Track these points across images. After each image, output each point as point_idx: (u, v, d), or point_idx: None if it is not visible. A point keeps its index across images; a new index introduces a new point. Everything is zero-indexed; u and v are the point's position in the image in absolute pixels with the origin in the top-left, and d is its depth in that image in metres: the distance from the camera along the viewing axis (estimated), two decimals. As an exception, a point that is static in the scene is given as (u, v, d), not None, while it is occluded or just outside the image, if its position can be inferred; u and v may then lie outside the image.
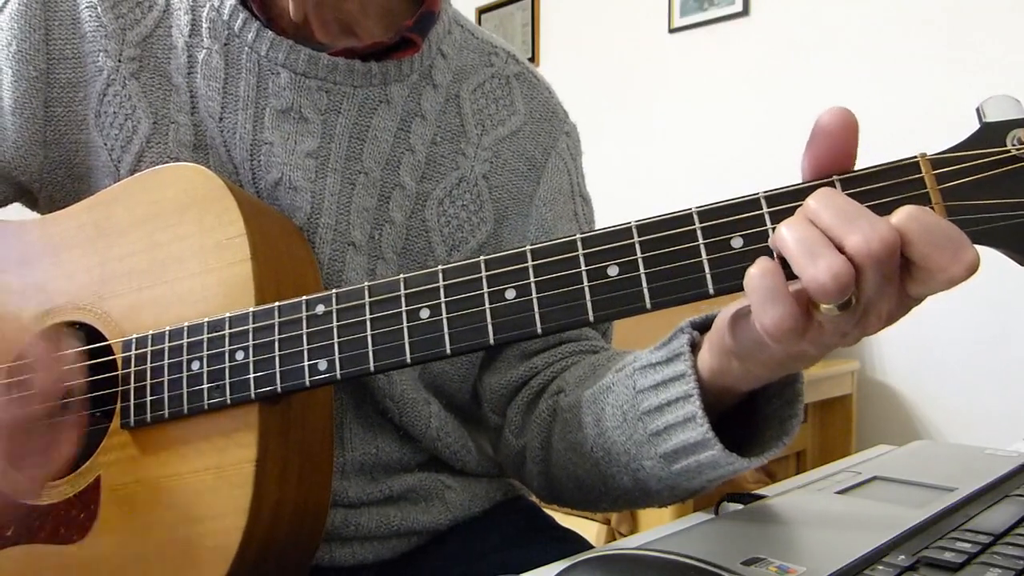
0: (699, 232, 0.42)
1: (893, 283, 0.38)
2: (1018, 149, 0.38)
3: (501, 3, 3.14)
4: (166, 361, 0.54)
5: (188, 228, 0.56)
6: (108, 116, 0.63)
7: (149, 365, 0.55)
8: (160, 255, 0.57)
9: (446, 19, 0.70)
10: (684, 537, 0.46)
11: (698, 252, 0.42)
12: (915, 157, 0.40)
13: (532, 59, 3.02)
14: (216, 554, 0.51)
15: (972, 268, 0.36)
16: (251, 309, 0.52)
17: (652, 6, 2.68)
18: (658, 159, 2.68)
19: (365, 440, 0.65)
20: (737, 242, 0.42)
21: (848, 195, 0.39)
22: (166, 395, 0.54)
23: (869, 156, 0.41)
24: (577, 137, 0.77)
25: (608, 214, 0.64)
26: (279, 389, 0.51)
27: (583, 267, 0.44)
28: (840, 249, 0.37)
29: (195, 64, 0.64)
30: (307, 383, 0.50)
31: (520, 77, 0.73)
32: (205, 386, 0.53)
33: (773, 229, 0.40)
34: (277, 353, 0.51)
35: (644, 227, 0.44)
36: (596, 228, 0.45)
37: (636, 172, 2.70)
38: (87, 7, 0.64)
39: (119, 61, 0.63)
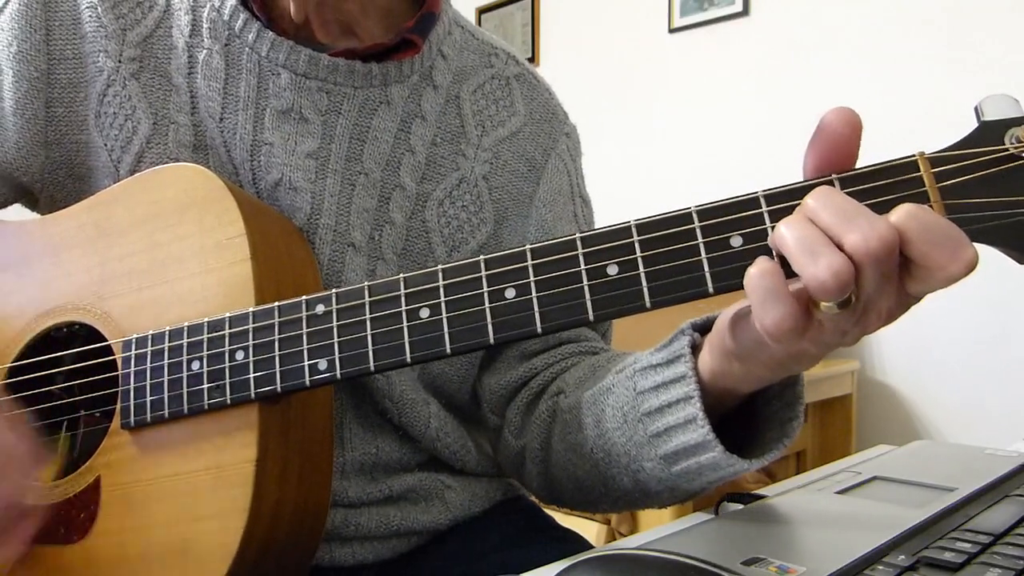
0: (698, 231, 0.42)
1: (892, 281, 0.38)
2: (1016, 147, 0.38)
3: (501, 3, 3.14)
4: (166, 361, 0.54)
5: (188, 228, 0.56)
6: (108, 116, 0.63)
7: (149, 365, 0.55)
8: (160, 255, 0.57)
9: (446, 20, 0.70)
10: (684, 537, 0.46)
11: (697, 251, 0.42)
12: (913, 156, 0.40)
13: (532, 59, 3.02)
14: (216, 554, 0.51)
15: (971, 266, 0.37)
16: (251, 309, 0.52)
17: (652, 6, 2.69)
18: (658, 159, 2.68)
19: (365, 440, 0.65)
20: (736, 241, 0.42)
21: (847, 194, 0.39)
22: (166, 395, 0.54)
23: (869, 156, 0.41)
24: (577, 138, 0.77)
25: (608, 214, 0.64)
26: (279, 389, 0.51)
27: (583, 266, 0.44)
28: (839, 247, 0.37)
29: (195, 64, 0.64)
30: (307, 383, 0.50)
31: (520, 78, 0.73)
32: (205, 386, 0.53)
33: (772, 228, 0.40)
34: (277, 353, 0.51)
35: (643, 226, 0.44)
36: (596, 227, 0.45)
37: (636, 172, 2.70)
38: (88, 7, 0.64)
39: (119, 61, 0.63)
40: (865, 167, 0.41)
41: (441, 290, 0.48)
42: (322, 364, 0.50)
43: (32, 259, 0.62)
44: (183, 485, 0.53)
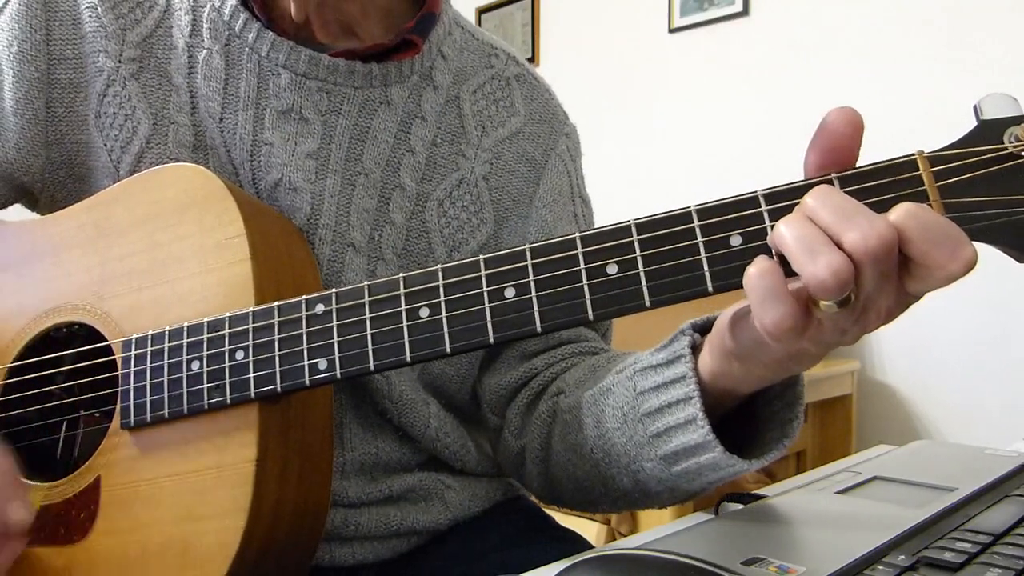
0: (698, 230, 0.42)
1: (891, 280, 0.38)
2: (1015, 146, 0.38)
3: (501, 3, 3.14)
4: (166, 361, 0.54)
5: (188, 228, 0.56)
6: (108, 117, 0.63)
7: (149, 365, 0.55)
8: (160, 255, 0.57)
9: (447, 20, 0.70)
10: (684, 537, 0.46)
11: (697, 250, 0.42)
12: (913, 155, 0.40)
13: (532, 59, 3.02)
14: (216, 553, 0.51)
15: (970, 265, 0.37)
16: (251, 309, 0.52)
17: (652, 6, 2.69)
18: (658, 159, 2.68)
19: (365, 440, 0.65)
20: (736, 240, 0.42)
21: (846, 193, 0.39)
22: (166, 395, 0.54)
23: (869, 156, 0.41)
24: (577, 139, 0.77)
25: (608, 214, 0.64)
26: (279, 389, 0.51)
27: (582, 265, 0.44)
28: (839, 246, 0.37)
29: (195, 64, 0.64)
30: (307, 382, 0.50)
31: (520, 79, 0.73)
32: (205, 386, 0.53)
33: (771, 227, 0.40)
34: (277, 353, 0.51)
35: (643, 225, 0.44)
36: (595, 227, 0.46)
37: (636, 172, 2.70)
38: (88, 7, 0.64)
39: (119, 62, 0.63)
40: (864, 166, 0.41)
41: (441, 290, 0.48)
42: (322, 364, 0.50)
43: (32, 259, 0.62)
44: (183, 485, 0.53)
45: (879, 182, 0.40)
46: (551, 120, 0.73)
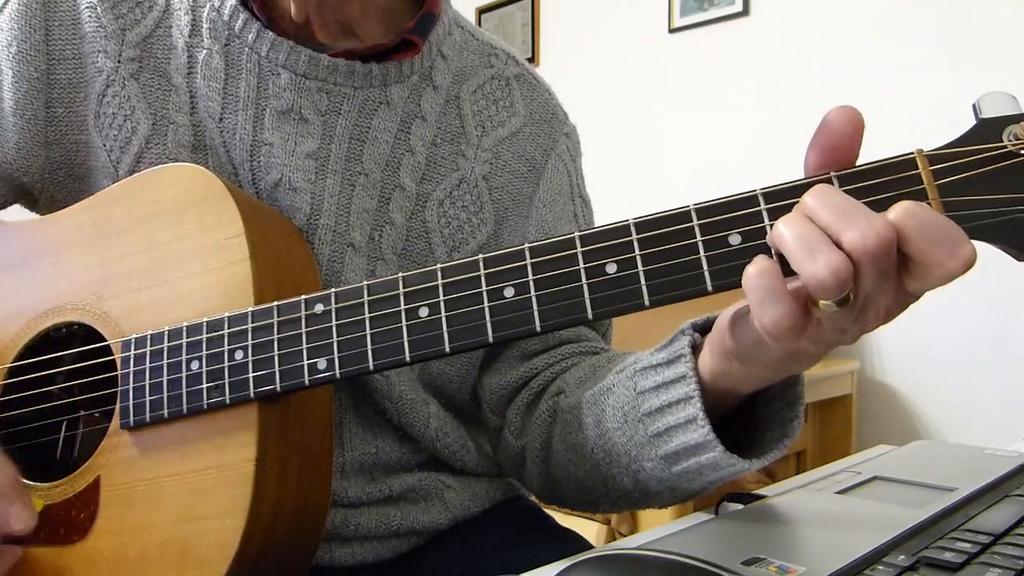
0: (697, 229, 0.42)
1: (891, 279, 0.38)
2: (1014, 145, 0.38)
3: (501, 3, 3.14)
4: (165, 361, 0.54)
5: (187, 228, 0.56)
6: (107, 117, 0.63)
7: (148, 365, 0.55)
8: (159, 255, 0.57)
9: (446, 20, 0.70)
10: (684, 537, 0.45)
11: (696, 249, 0.42)
12: (912, 153, 0.40)
13: (532, 59, 3.02)
14: (216, 553, 0.51)
15: (969, 263, 0.37)
16: (250, 309, 0.52)
17: (652, 6, 2.68)
18: (658, 159, 2.68)
19: (364, 440, 0.65)
20: (735, 239, 0.42)
21: (845, 191, 0.39)
22: (165, 395, 0.54)
23: (869, 156, 0.41)
24: (577, 139, 0.77)
25: (608, 214, 0.64)
26: (278, 388, 0.51)
27: (581, 265, 0.44)
28: (838, 246, 0.37)
29: (195, 64, 0.64)
30: (306, 382, 0.50)
31: (520, 78, 0.73)
32: (204, 386, 0.53)
33: (771, 226, 0.40)
34: (276, 352, 0.51)
35: (642, 224, 0.44)
36: (594, 226, 0.45)
37: (636, 172, 2.70)
38: (87, 7, 0.64)
39: (119, 62, 0.63)
40: (863, 165, 0.41)
41: (440, 289, 0.47)
42: (321, 363, 0.50)
43: (32, 259, 0.62)
44: (183, 485, 0.53)
45: (878, 181, 0.40)
46: (551, 120, 0.73)
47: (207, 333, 0.53)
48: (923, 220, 0.37)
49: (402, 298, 0.48)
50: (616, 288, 0.44)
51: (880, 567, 0.38)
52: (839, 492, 0.54)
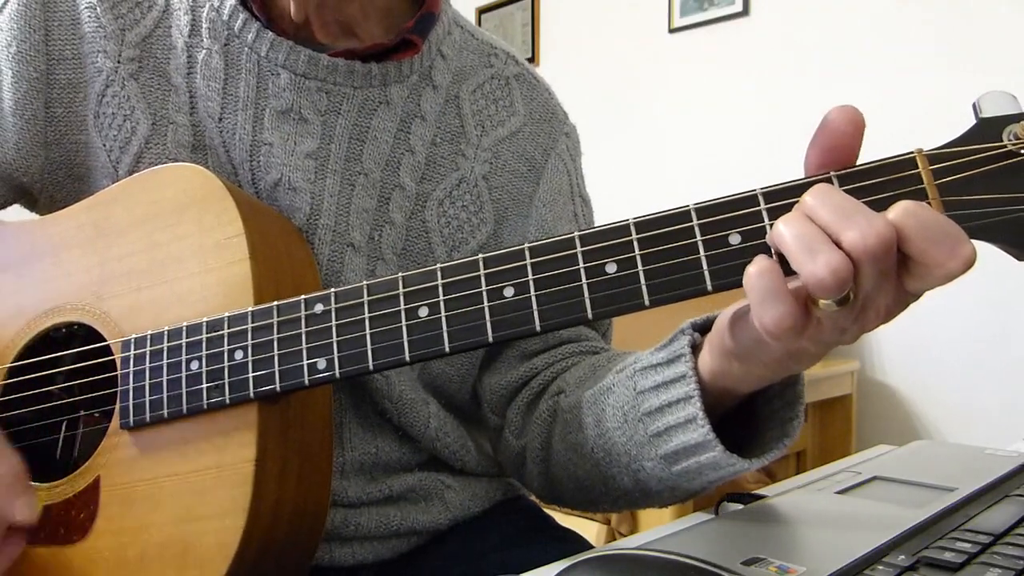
0: (697, 229, 0.42)
1: (890, 278, 0.38)
2: (1014, 144, 0.38)
3: (501, 3, 3.14)
4: (165, 361, 0.54)
5: (187, 228, 0.56)
6: (107, 117, 0.63)
7: (148, 365, 0.55)
8: (159, 255, 0.57)
9: (446, 20, 0.70)
10: (684, 537, 0.45)
11: (696, 249, 0.42)
12: (911, 153, 0.40)
13: (532, 59, 3.02)
14: (216, 553, 0.51)
15: (969, 263, 0.36)
16: (249, 309, 0.52)
17: (652, 6, 2.68)
18: (658, 159, 2.68)
19: (364, 440, 0.65)
20: (735, 238, 0.42)
21: (845, 191, 0.39)
22: (165, 395, 0.54)
23: (869, 156, 0.41)
24: (576, 138, 0.77)
25: (608, 214, 0.64)
26: (278, 388, 0.51)
27: (581, 264, 0.44)
28: (838, 245, 0.37)
29: (194, 64, 0.64)
30: (306, 382, 0.50)
31: (520, 78, 0.73)
32: (204, 386, 0.53)
33: (771, 226, 0.40)
34: (276, 352, 0.51)
35: (642, 224, 0.44)
36: (594, 226, 0.45)
37: (636, 172, 2.70)
38: (87, 7, 0.64)
39: (118, 62, 0.63)
40: (863, 164, 0.41)
41: (440, 289, 0.47)
42: (321, 363, 0.50)
43: (31, 259, 0.62)
44: (182, 485, 0.53)
45: (878, 180, 0.40)
46: (551, 119, 0.73)
47: (207, 333, 0.53)
48: (923, 220, 0.37)
49: (402, 298, 0.48)
50: (616, 288, 0.44)
51: (880, 567, 0.38)
52: (839, 492, 0.54)
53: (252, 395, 0.51)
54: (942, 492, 0.52)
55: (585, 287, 0.44)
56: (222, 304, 0.54)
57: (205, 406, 0.53)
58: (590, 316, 0.44)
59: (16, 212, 0.69)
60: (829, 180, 0.41)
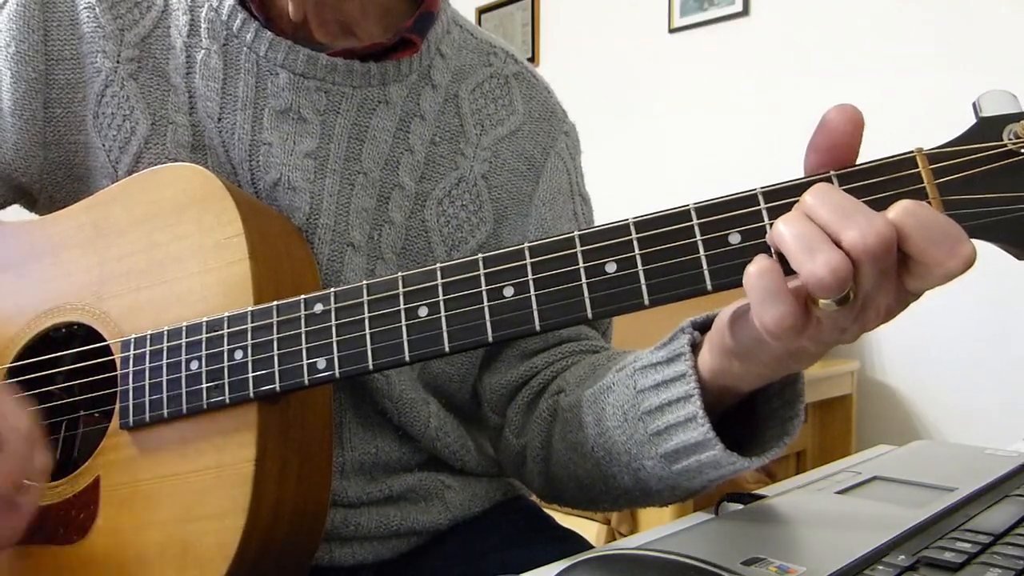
0: (696, 228, 0.42)
1: (890, 278, 0.38)
2: (1014, 143, 0.38)
3: (501, 3, 3.14)
4: (164, 361, 0.54)
5: (187, 228, 0.56)
6: (106, 117, 0.63)
7: (148, 365, 0.55)
8: (159, 255, 0.57)
9: (445, 19, 0.70)
10: (684, 537, 0.45)
11: (696, 248, 0.42)
12: (912, 152, 0.40)
13: (532, 59, 3.02)
14: (216, 553, 0.51)
15: (969, 262, 0.36)
16: (249, 308, 0.52)
17: (652, 6, 2.68)
18: (658, 159, 2.68)
19: (364, 440, 0.65)
20: (735, 238, 0.42)
21: (845, 190, 0.39)
22: (165, 395, 0.54)
23: (869, 156, 0.41)
24: (576, 137, 0.77)
25: (608, 214, 0.64)
26: (278, 388, 0.51)
27: (581, 264, 0.44)
28: (837, 244, 0.37)
29: (193, 64, 0.64)
30: (306, 382, 0.50)
31: (519, 77, 0.73)
32: (204, 386, 0.53)
33: (770, 225, 0.40)
34: (276, 352, 0.51)
35: (642, 224, 0.44)
36: (594, 225, 0.45)
37: (636, 172, 2.70)
38: (85, 8, 0.64)
39: (117, 62, 0.63)
40: (863, 163, 0.41)
41: (439, 289, 0.47)
42: (321, 363, 0.50)
43: (31, 259, 0.62)
44: (182, 485, 0.53)
45: (878, 180, 0.40)
46: (550, 118, 0.73)
47: (206, 333, 0.53)
48: (923, 219, 0.37)
49: (401, 298, 0.48)
50: (616, 287, 0.44)
51: (880, 567, 0.38)
52: (839, 492, 0.54)
53: (252, 395, 0.51)
54: (942, 492, 0.52)
55: (585, 287, 0.44)
56: (222, 304, 0.54)
57: (205, 406, 0.53)
58: (590, 316, 0.44)
59: (16, 212, 0.69)
60: (829, 179, 0.41)
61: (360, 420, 0.65)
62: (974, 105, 0.40)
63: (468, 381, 0.70)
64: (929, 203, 0.39)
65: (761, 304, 0.39)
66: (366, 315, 0.49)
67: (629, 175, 2.68)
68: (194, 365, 0.53)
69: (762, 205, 0.42)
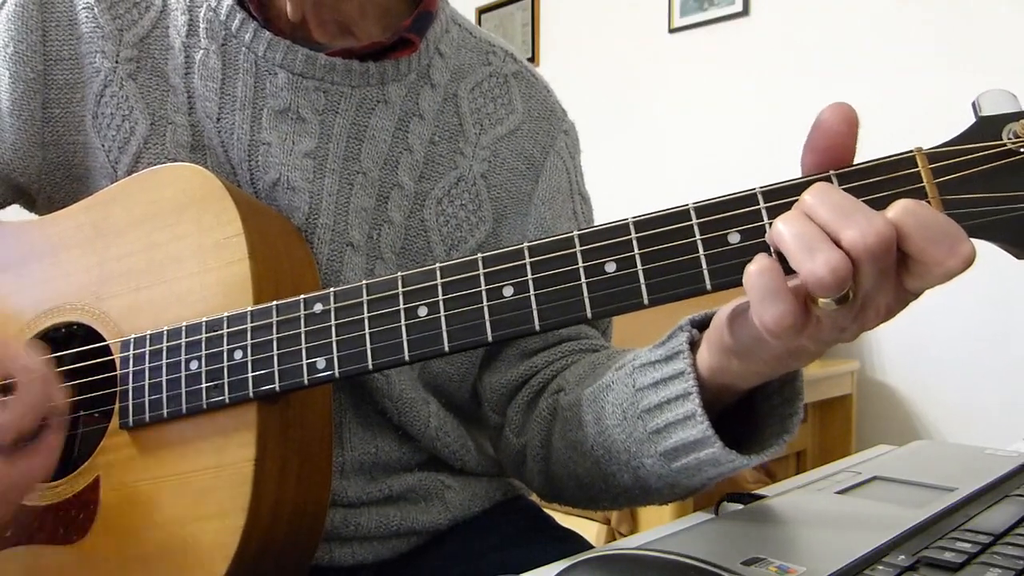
0: (696, 228, 0.42)
1: (890, 277, 0.38)
2: (1014, 143, 0.38)
3: (501, 3, 3.14)
4: (164, 361, 0.54)
5: (186, 228, 0.56)
6: (105, 117, 0.63)
7: (147, 365, 0.55)
8: (158, 255, 0.57)
9: (444, 18, 0.70)
10: (684, 537, 0.45)
11: (695, 248, 0.42)
12: (911, 151, 0.40)
13: (532, 59, 3.02)
14: (215, 553, 0.51)
15: (968, 261, 0.36)
16: (249, 308, 0.52)
17: (652, 6, 2.69)
18: (658, 159, 2.68)
19: (364, 440, 0.65)
20: (734, 237, 0.42)
21: (845, 190, 0.39)
22: (164, 395, 0.54)
23: (869, 156, 0.41)
24: (575, 136, 0.77)
25: (608, 214, 0.64)
26: (277, 388, 0.51)
27: (580, 264, 0.44)
28: (837, 243, 0.37)
29: (192, 64, 0.64)
30: (305, 382, 0.50)
31: (518, 76, 0.73)
32: (203, 386, 0.53)
33: (770, 224, 0.40)
34: (275, 352, 0.51)
35: (641, 223, 0.44)
36: (593, 225, 0.45)
37: (636, 172, 2.70)
38: (84, 8, 0.64)
39: (116, 62, 0.63)
40: (863, 163, 0.41)
41: (439, 288, 0.47)
42: (320, 363, 0.50)
43: (30, 259, 0.62)
44: (182, 485, 0.53)
45: (877, 179, 0.40)
46: (549, 117, 0.73)
47: (206, 333, 0.53)
48: (922, 218, 0.37)
49: (401, 297, 0.48)
50: (615, 287, 0.44)
51: (880, 567, 0.38)
52: (839, 492, 0.54)
53: (251, 395, 0.51)
54: (942, 492, 0.52)
55: (584, 286, 0.44)
56: (221, 304, 0.54)
57: (204, 406, 0.53)
58: (589, 315, 0.44)
59: (15, 212, 0.69)
60: (828, 179, 0.41)
61: (360, 420, 0.65)
62: (973, 104, 0.40)
63: (468, 381, 0.70)
64: (928, 202, 0.39)
65: (761, 303, 0.39)
66: (366, 315, 0.49)
67: (629, 175, 2.68)
68: (194, 365, 0.53)
69: (761, 205, 0.42)
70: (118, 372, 0.56)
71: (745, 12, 2.48)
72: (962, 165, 0.39)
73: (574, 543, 0.70)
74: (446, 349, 0.47)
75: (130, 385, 0.55)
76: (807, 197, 0.39)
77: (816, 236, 0.37)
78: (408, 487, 0.67)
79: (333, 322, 0.50)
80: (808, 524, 0.48)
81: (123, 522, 0.54)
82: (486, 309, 0.46)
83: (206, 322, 0.53)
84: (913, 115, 2.06)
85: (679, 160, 2.62)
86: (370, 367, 0.49)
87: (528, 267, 0.45)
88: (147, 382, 0.54)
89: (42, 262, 0.61)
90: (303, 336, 0.51)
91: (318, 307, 0.51)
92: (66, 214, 0.62)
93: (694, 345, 0.49)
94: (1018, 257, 0.40)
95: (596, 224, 0.46)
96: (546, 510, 0.76)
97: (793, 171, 0.43)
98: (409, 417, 0.65)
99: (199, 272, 0.55)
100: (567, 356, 0.67)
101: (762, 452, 0.48)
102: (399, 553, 0.67)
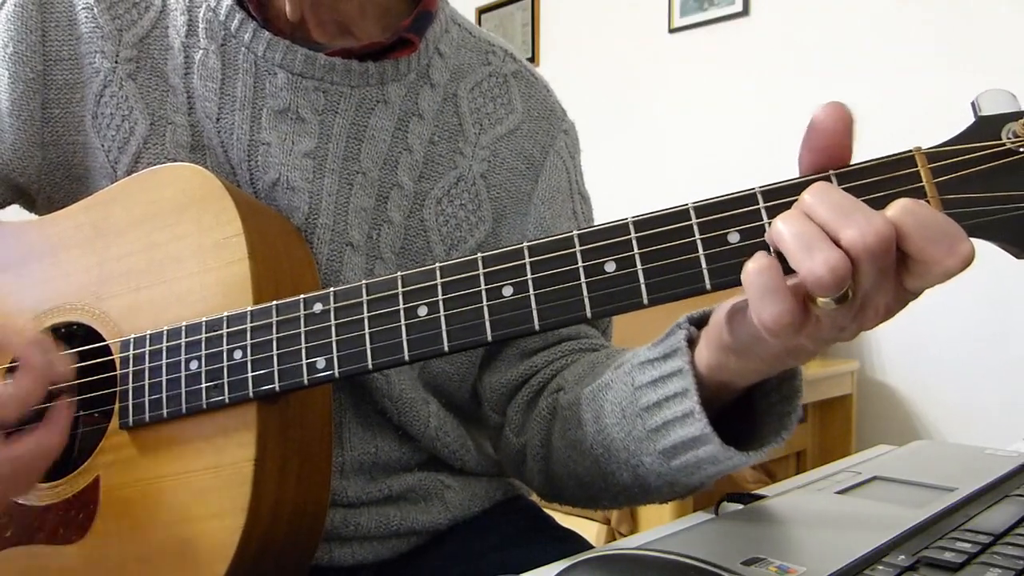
0: (695, 227, 0.42)
1: (889, 277, 0.38)
2: (1013, 142, 0.38)
3: (501, 3, 3.14)
4: (164, 361, 0.54)
5: (186, 228, 0.56)
6: (105, 118, 0.63)
7: (147, 365, 0.55)
8: (158, 255, 0.57)
9: (443, 18, 0.70)
10: (684, 537, 0.45)
11: (695, 247, 0.42)
12: (911, 151, 0.40)
13: (532, 59, 3.02)
14: (215, 553, 0.51)
15: (967, 261, 0.36)
16: (249, 308, 0.52)
17: (652, 6, 2.69)
18: (658, 159, 2.68)
19: (364, 440, 0.65)
20: (734, 237, 0.42)
21: (844, 189, 0.39)
22: (164, 395, 0.54)
23: (868, 156, 0.41)
24: (575, 135, 0.77)
25: (608, 214, 0.64)
26: (277, 388, 0.51)
27: (580, 263, 0.44)
28: (836, 243, 0.37)
29: (192, 64, 0.64)
30: (305, 381, 0.50)
31: (518, 75, 0.73)
32: (203, 385, 0.53)
33: (769, 224, 0.40)
34: (275, 352, 0.51)
35: (641, 223, 0.44)
36: (593, 224, 0.45)
37: (636, 172, 2.70)
38: (83, 8, 0.64)
39: (116, 62, 0.63)
40: (862, 162, 0.41)
41: (439, 288, 0.47)
42: (320, 363, 0.50)
43: (30, 260, 0.62)
44: (182, 485, 0.53)
45: (877, 178, 0.40)
46: (549, 117, 0.73)
47: (206, 333, 0.53)
48: (922, 218, 0.37)
49: (401, 297, 0.48)
50: (615, 287, 0.44)
51: (880, 567, 0.38)
52: (839, 492, 0.54)
53: (251, 395, 0.51)
54: (942, 492, 0.52)
55: (584, 286, 0.44)
56: (221, 304, 0.54)
57: (204, 406, 0.53)
58: (589, 315, 0.44)
59: (15, 212, 0.69)
60: (828, 178, 0.41)
61: (360, 420, 0.65)
62: (973, 104, 0.40)
63: (468, 380, 0.70)
64: (928, 202, 0.39)
65: (760, 301, 0.39)
66: (365, 315, 0.49)
67: (629, 175, 2.68)
68: (193, 365, 0.53)
69: (761, 204, 0.42)
70: (118, 372, 0.56)
71: (745, 12, 2.48)
72: (961, 165, 0.39)
73: (574, 543, 0.70)
74: (446, 349, 0.47)
75: (130, 385, 0.55)
76: (807, 196, 0.39)
77: (815, 235, 0.37)
78: (408, 487, 0.67)
79: (333, 322, 0.50)
80: (808, 524, 0.48)
81: (123, 522, 0.54)
82: (486, 309, 0.46)
83: (206, 322, 0.53)
84: (913, 115, 2.06)
85: (679, 160, 2.62)
86: (370, 367, 0.49)
87: (528, 267, 0.45)
88: (147, 382, 0.54)
89: (42, 262, 0.61)
90: (303, 336, 0.51)
91: (318, 307, 0.51)
92: (66, 214, 0.62)
93: (692, 342, 0.49)
94: (1017, 256, 0.40)
95: (596, 224, 0.46)
96: (546, 510, 0.76)
97: (793, 171, 0.43)
98: (409, 417, 0.65)
99: (199, 272, 0.55)
100: (567, 356, 0.67)
101: (760, 450, 0.48)
102: (399, 553, 0.67)
